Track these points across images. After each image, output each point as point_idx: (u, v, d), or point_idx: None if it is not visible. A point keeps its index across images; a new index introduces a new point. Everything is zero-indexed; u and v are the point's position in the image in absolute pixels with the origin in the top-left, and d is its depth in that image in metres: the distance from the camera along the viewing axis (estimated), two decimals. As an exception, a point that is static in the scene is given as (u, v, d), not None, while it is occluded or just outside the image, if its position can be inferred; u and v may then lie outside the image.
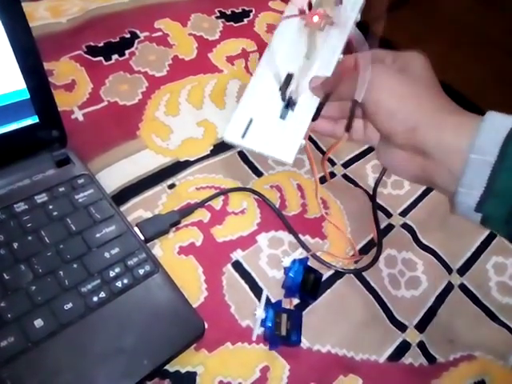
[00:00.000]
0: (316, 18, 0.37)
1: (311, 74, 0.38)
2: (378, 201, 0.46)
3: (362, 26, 0.39)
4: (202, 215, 0.41)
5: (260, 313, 0.35)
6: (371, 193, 0.47)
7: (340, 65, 0.38)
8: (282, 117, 0.38)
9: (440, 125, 0.30)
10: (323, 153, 0.49)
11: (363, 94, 0.32)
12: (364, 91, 0.32)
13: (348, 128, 0.37)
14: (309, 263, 0.39)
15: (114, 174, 0.42)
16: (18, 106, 0.37)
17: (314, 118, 0.38)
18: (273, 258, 0.40)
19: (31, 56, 0.36)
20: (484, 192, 0.28)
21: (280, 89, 0.38)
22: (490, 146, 0.28)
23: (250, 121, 0.38)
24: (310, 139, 0.49)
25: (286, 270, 0.38)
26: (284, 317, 0.35)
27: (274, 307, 0.36)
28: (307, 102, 0.38)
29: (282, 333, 0.34)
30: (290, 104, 0.37)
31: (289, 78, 0.38)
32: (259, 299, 0.37)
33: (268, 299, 0.37)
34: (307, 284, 0.37)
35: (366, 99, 0.33)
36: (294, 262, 0.38)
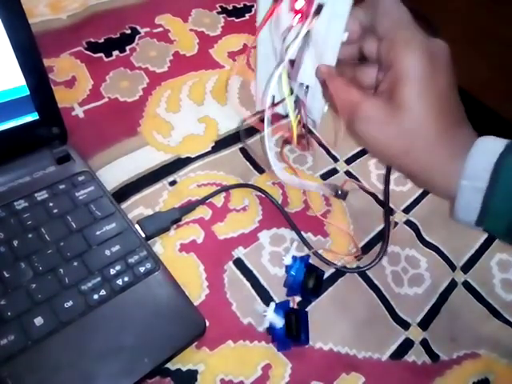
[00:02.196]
0: (301, 3, 0.32)
1: (315, 61, 0.35)
2: (381, 197, 0.46)
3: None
4: (204, 212, 0.41)
5: (271, 315, 0.34)
6: (374, 190, 0.46)
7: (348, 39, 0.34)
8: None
9: (435, 152, 0.30)
10: (325, 148, 0.49)
11: None
12: None
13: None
14: (310, 261, 0.39)
15: (115, 171, 0.42)
16: (17, 102, 0.37)
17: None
18: (275, 255, 0.40)
19: (31, 52, 0.36)
20: (480, 214, 0.29)
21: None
22: (480, 171, 0.28)
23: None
24: (313, 134, 0.48)
25: (288, 269, 0.38)
26: (293, 317, 0.35)
27: (282, 308, 0.35)
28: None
29: (293, 333, 0.34)
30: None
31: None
32: (261, 297, 0.37)
33: (272, 298, 0.37)
34: (309, 282, 0.37)
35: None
36: (295, 260, 0.38)
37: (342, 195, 0.44)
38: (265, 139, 0.36)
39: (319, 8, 0.32)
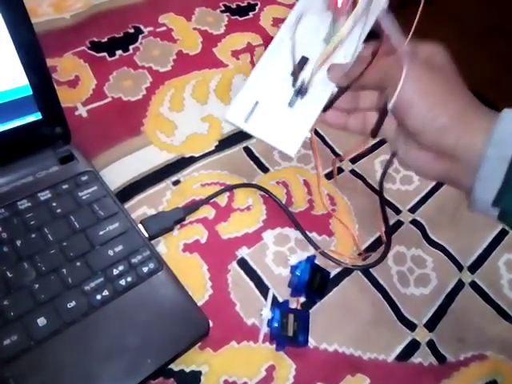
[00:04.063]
0: (340, 1, 0.33)
1: (329, 61, 0.34)
2: (387, 197, 0.45)
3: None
4: (207, 212, 0.41)
5: (266, 313, 0.34)
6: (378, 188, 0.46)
7: (363, 52, 0.35)
8: (290, 104, 0.35)
9: (468, 127, 0.29)
10: (329, 147, 0.48)
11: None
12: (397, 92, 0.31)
13: (375, 134, 0.35)
14: (316, 261, 0.39)
15: (118, 171, 0.41)
16: (20, 102, 0.37)
17: (325, 109, 0.35)
18: (279, 255, 0.39)
19: (33, 52, 0.36)
20: (501, 186, 0.28)
21: (292, 73, 0.35)
22: (507, 141, 0.28)
23: (256, 103, 0.35)
24: (316, 133, 0.48)
25: (293, 269, 0.38)
26: (291, 317, 0.34)
27: (280, 307, 0.35)
28: (319, 91, 0.35)
29: (289, 333, 0.34)
30: (300, 91, 0.35)
31: (303, 61, 0.35)
32: (265, 297, 0.37)
33: (275, 298, 0.37)
34: (314, 283, 0.37)
35: (398, 97, 0.31)
36: (300, 260, 0.38)
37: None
38: None
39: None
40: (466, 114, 0.30)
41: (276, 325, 0.34)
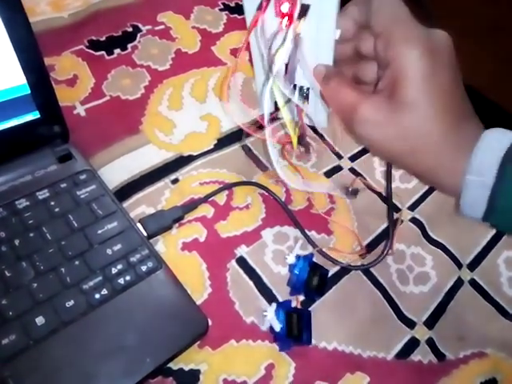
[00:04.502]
0: (286, 6, 0.30)
1: (310, 63, 0.33)
2: (385, 194, 0.45)
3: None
4: (206, 210, 0.41)
5: (271, 315, 0.34)
6: (379, 187, 0.45)
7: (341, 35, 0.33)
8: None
9: (452, 151, 0.29)
10: (329, 145, 0.48)
11: None
12: None
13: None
14: (314, 259, 0.38)
15: (117, 170, 0.41)
16: (18, 101, 0.36)
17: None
18: (278, 253, 0.39)
19: (31, 51, 0.35)
20: (486, 211, 0.28)
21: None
22: (487, 167, 0.27)
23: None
24: (316, 132, 0.48)
25: (291, 267, 0.37)
26: (294, 317, 0.34)
27: (283, 308, 0.35)
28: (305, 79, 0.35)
29: (294, 333, 0.34)
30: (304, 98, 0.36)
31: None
32: (264, 296, 0.37)
33: (274, 297, 0.37)
34: (313, 281, 0.37)
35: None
36: (298, 258, 0.38)
37: (354, 193, 0.43)
38: (269, 151, 0.34)
39: (305, 9, 0.31)
40: (454, 133, 0.29)
41: (281, 326, 0.34)
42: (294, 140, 0.38)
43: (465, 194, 0.28)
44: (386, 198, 0.44)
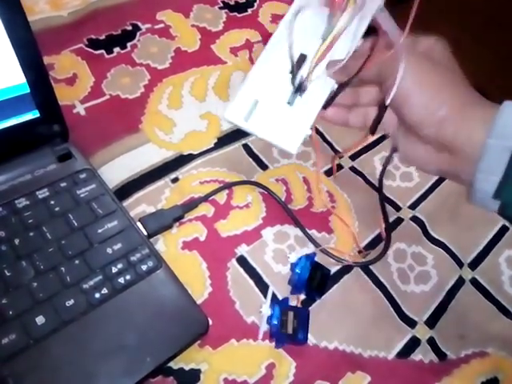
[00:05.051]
0: None
1: (327, 58, 0.34)
2: (387, 194, 0.45)
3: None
4: (206, 209, 0.40)
5: (266, 310, 0.34)
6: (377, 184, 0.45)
7: (361, 47, 0.34)
8: (290, 102, 0.35)
9: (468, 119, 0.29)
10: (329, 144, 0.48)
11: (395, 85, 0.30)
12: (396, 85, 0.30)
13: (373, 130, 0.35)
14: (316, 259, 0.38)
15: (117, 169, 0.41)
16: (17, 100, 0.36)
17: (326, 106, 0.35)
18: (278, 252, 0.39)
19: (30, 50, 0.35)
20: (503, 178, 0.28)
21: (291, 71, 0.34)
22: (508, 132, 0.27)
23: (255, 102, 0.35)
24: (316, 131, 0.48)
25: (293, 266, 0.37)
26: (291, 315, 0.34)
27: (280, 305, 0.35)
28: (318, 89, 0.34)
29: (289, 331, 0.34)
30: (299, 89, 0.34)
31: (301, 59, 0.35)
32: (265, 295, 0.37)
33: (274, 296, 0.37)
34: (314, 280, 0.36)
35: (396, 89, 0.31)
36: (300, 257, 0.37)
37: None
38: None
39: None
40: (465, 106, 0.30)
41: (275, 322, 0.34)
42: None
43: (484, 158, 0.28)
44: (387, 197, 0.44)
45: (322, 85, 0.35)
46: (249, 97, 0.35)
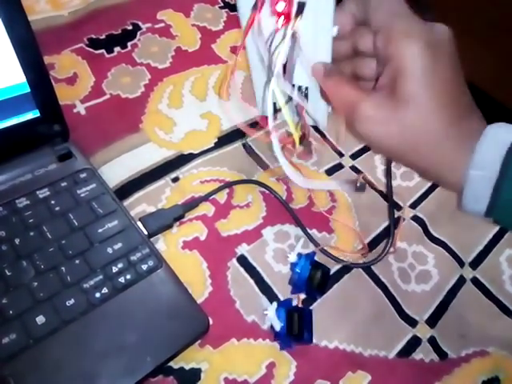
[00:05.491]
0: (282, 5, 0.30)
1: (309, 61, 0.33)
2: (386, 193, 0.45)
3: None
4: (207, 209, 0.40)
5: (272, 314, 0.34)
6: (380, 186, 0.45)
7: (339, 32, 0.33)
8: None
9: (454, 146, 0.28)
10: (330, 144, 0.48)
11: None
12: None
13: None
14: (316, 258, 0.38)
15: (117, 168, 0.41)
16: (18, 100, 0.36)
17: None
18: (279, 252, 0.39)
19: (31, 49, 0.35)
20: (489, 205, 0.28)
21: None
22: (490, 162, 0.27)
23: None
24: (317, 130, 0.48)
25: (293, 266, 0.37)
26: (295, 316, 0.34)
27: (284, 306, 0.35)
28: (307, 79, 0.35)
29: (295, 332, 0.34)
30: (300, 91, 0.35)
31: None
32: (265, 294, 0.37)
33: (275, 296, 0.37)
34: (314, 279, 0.36)
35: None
36: (300, 257, 0.37)
37: (361, 188, 0.42)
38: (275, 151, 0.35)
39: (301, 7, 0.31)
40: (456, 128, 0.28)
41: (282, 324, 0.34)
42: (297, 139, 0.37)
43: (467, 188, 0.28)
44: (387, 196, 0.44)
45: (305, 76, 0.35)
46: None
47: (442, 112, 0.28)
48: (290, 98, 0.35)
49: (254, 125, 0.43)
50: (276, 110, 0.36)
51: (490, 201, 0.27)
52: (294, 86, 0.36)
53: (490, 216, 0.29)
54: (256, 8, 0.32)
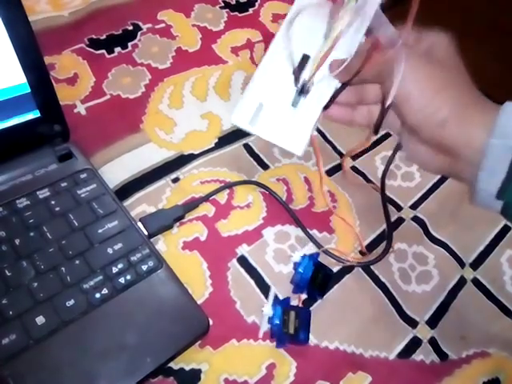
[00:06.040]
0: None
1: (329, 58, 0.33)
2: (388, 193, 0.45)
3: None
4: (207, 209, 0.40)
5: (267, 310, 0.34)
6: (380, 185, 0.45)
7: (362, 47, 0.34)
8: (294, 104, 0.35)
9: (467, 122, 0.29)
10: (330, 143, 0.48)
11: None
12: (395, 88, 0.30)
13: (376, 131, 0.34)
14: (319, 259, 0.38)
15: (117, 169, 0.41)
16: (18, 100, 0.36)
17: (327, 106, 0.35)
18: (279, 252, 0.39)
19: (31, 50, 0.35)
20: (506, 177, 0.27)
21: (293, 72, 0.35)
22: (510, 130, 0.27)
23: (260, 106, 0.35)
24: (318, 131, 0.48)
25: (296, 265, 0.37)
26: (292, 314, 0.34)
27: (282, 304, 0.35)
28: (322, 89, 0.35)
29: (290, 331, 0.34)
30: (303, 91, 0.35)
31: (304, 60, 0.35)
32: (265, 295, 0.37)
33: (275, 296, 0.37)
34: (316, 280, 0.36)
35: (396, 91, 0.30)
36: (303, 257, 0.37)
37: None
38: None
39: None
40: (464, 108, 0.29)
41: (277, 322, 0.34)
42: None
43: (487, 157, 0.28)
44: (388, 196, 0.44)
45: (325, 85, 0.35)
46: (254, 100, 0.35)
47: (470, 82, 0.30)
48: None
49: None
50: None
51: (508, 172, 0.27)
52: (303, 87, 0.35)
53: (502, 196, 0.28)
54: None
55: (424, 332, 0.38)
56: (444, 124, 0.29)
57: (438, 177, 0.47)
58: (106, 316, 0.32)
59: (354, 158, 0.47)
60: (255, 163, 0.45)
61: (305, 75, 0.35)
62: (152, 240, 0.37)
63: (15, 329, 0.30)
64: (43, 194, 0.36)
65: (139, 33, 0.52)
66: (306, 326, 0.34)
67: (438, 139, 0.30)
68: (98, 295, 0.32)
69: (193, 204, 0.40)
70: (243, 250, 0.39)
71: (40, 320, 0.31)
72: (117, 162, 0.42)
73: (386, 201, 0.44)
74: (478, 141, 0.28)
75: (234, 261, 0.38)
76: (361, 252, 0.41)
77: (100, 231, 0.35)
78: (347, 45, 0.34)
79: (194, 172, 0.43)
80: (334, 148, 0.48)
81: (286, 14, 0.37)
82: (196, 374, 0.32)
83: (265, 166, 0.45)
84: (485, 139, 0.28)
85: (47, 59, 0.40)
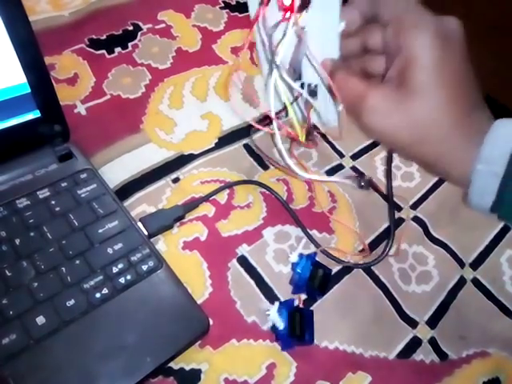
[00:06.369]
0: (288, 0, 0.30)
1: (317, 58, 0.33)
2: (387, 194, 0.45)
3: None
4: (207, 209, 0.40)
5: (274, 315, 0.34)
6: (380, 186, 0.45)
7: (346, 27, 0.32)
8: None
9: (462, 142, 0.28)
10: (330, 144, 0.48)
11: None
12: None
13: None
14: (317, 258, 0.38)
15: (118, 169, 0.41)
16: (18, 100, 0.36)
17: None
18: (279, 252, 0.39)
19: (31, 50, 0.35)
20: (495, 201, 0.27)
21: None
22: (497, 156, 0.27)
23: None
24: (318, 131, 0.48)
25: (294, 266, 0.37)
26: (297, 316, 0.34)
27: (286, 307, 0.35)
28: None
29: (297, 333, 0.33)
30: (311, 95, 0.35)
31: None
32: (265, 295, 0.37)
33: (276, 296, 0.37)
34: (315, 280, 0.36)
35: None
36: (301, 257, 0.37)
37: (366, 186, 0.42)
38: (277, 145, 0.35)
39: (306, 2, 0.31)
40: (464, 122, 0.28)
41: (284, 325, 0.34)
42: (302, 136, 0.37)
43: (474, 183, 0.28)
44: (388, 197, 0.44)
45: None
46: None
47: (450, 106, 0.28)
48: (296, 97, 0.35)
49: (264, 120, 0.43)
50: (284, 108, 0.36)
51: (496, 197, 0.27)
52: (303, 84, 0.35)
53: (496, 212, 0.28)
54: (263, 3, 0.32)
55: (424, 332, 0.38)
56: (421, 143, 0.29)
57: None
58: (106, 316, 0.32)
59: (354, 158, 0.47)
60: (255, 163, 0.45)
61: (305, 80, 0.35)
62: (152, 240, 0.37)
63: (15, 329, 0.30)
64: (43, 194, 0.36)
65: (139, 33, 0.52)
66: (311, 327, 0.35)
67: (418, 157, 0.30)
68: (98, 295, 0.32)
69: (193, 204, 0.40)
70: (243, 250, 0.39)
71: (40, 320, 0.31)
72: (117, 162, 0.42)
73: (392, 201, 0.43)
74: (465, 165, 0.28)
75: (234, 261, 0.38)
76: (361, 251, 0.41)
77: (100, 231, 0.35)
78: (328, 40, 0.32)
79: (194, 172, 0.43)
80: (334, 148, 0.48)
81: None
82: (196, 374, 0.32)
83: (265, 167, 0.45)
84: (471, 165, 0.27)
85: (47, 59, 0.40)
